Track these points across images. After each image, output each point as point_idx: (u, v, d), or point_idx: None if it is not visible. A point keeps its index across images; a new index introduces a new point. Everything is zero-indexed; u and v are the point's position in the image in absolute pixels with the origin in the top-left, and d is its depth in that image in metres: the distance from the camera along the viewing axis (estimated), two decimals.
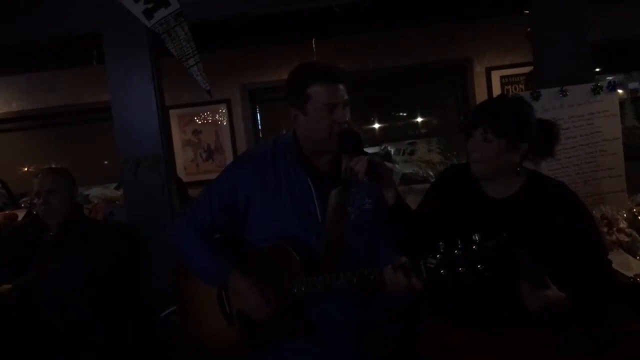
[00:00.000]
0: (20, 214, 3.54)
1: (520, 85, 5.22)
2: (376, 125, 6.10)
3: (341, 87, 1.85)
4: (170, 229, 2.09)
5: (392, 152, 5.67)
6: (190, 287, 2.05)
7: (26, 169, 5.71)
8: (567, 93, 2.87)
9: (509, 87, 5.31)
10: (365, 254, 1.93)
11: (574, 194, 1.89)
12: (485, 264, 1.54)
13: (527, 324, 1.78)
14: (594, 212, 2.58)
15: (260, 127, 5.75)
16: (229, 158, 5.42)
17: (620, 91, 4.46)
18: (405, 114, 6.05)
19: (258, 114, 5.73)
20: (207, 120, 5.50)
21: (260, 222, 1.93)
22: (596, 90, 2.87)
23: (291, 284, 1.83)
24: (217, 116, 5.49)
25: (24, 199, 4.34)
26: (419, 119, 6.01)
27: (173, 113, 5.28)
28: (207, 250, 1.94)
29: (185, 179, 5.01)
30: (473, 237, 1.56)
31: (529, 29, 3.27)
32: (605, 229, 2.66)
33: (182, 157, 5.47)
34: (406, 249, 1.85)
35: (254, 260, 1.90)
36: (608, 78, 3.03)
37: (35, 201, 2.88)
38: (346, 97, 1.86)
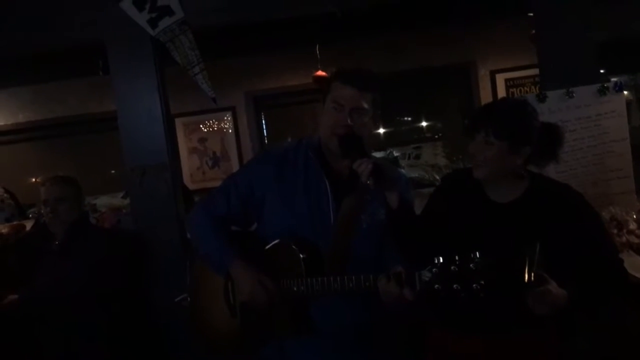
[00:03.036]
0: (28, 225, 3.54)
1: (526, 88, 5.22)
2: (381, 130, 6.09)
3: (358, 93, 1.86)
4: (190, 214, 2.15)
5: (398, 157, 5.66)
6: (200, 278, 2.11)
7: (34, 179, 5.73)
8: (574, 94, 2.85)
9: (514, 89, 5.30)
10: (372, 262, 1.92)
11: (579, 195, 1.86)
12: (481, 285, 1.52)
13: (532, 328, 1.77)
14: (603, 213, 2.55)
15: (265, 133, 5.76)
16: (235, 165, 5.43)
17: (625, 92, 4.44)
18: (409, 118, 6.05)
19: (263, 121, 5.74)
20: (213, 128, 5.52)
21: (273, 219, 1.96)
22: (603, 91, 2.85)
23: (291, 282, 1.86)
24: (222, 124, 5.51)
25: (32, 210, 4.35)
26: (424, 123, 6.00)
27: (179, 121, 5.30)
28: (215, 236, 1.97)
29: (191, 186, 5.03)
30: (472, 254, 1.54)
31: (533, 31, 3.26)
32: (615, 231, 2.63)
33: (188, 164, 5.49)
34: (410, 254, 1.85)
35: (260, 256, 1.93)
36: (613, 79, 3.00)
37: (42, 210, 2.89)
38: (360, 104, 1.86)
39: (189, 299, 2.16)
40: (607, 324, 2.22)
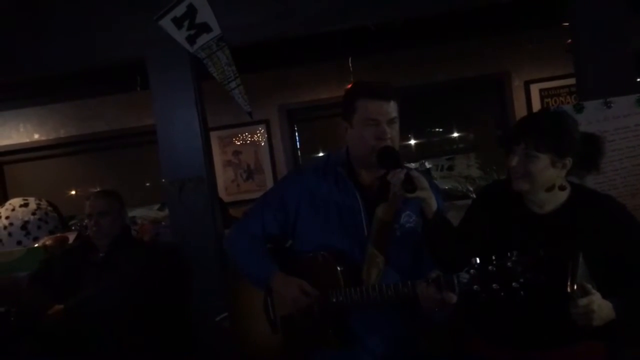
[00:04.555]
0: (71, 237, 3.64)
1: (561, 98, 5.15)
2: (412, 142, 6.08)
3: (388, 104, 1.90)
4: (227, 235, 2.22)
5: (430, 168, 5.63)
6: (239, 295, 2.16)
7: (74, 192, 5.89)
8: (612, 105, 2.81)
9: (549, 99, 5.23)
10: (409, 270, 1.94)
11: (622, 206, 1.85)
12: (520, 282, 1.51)
13: (577, 341, 1.74)
14: None
15: (298, 146, 5.80)
16: (269, 178, 5.48)
17: None
18: (442, 130, 6.01)
19: (296, 134, 5.79)
20: (247, 141, 5.59)
21: (307, 233, 2.00)
22: None
23: (330, 293, 1.89)
24: (256, 137, 5.57)
25: (73, 222, 4.47)
26: (457, 134, 5.96)
27: (213, 134, 5.37)
28: (254, 252, 2.04)
29: (226, 199, 5.09)
30: (509, 253, 1.54)
31: (569, 41, 3.23)
32: None
33: (223, 177, 5.55)
34: (446, 264, 1.84)
35: (297, 269, 1.97)
36: None
37: (85, 223, 2.98)
38: (393, 115, 1.91)
39: (228, 317, 2.21)
40: None
